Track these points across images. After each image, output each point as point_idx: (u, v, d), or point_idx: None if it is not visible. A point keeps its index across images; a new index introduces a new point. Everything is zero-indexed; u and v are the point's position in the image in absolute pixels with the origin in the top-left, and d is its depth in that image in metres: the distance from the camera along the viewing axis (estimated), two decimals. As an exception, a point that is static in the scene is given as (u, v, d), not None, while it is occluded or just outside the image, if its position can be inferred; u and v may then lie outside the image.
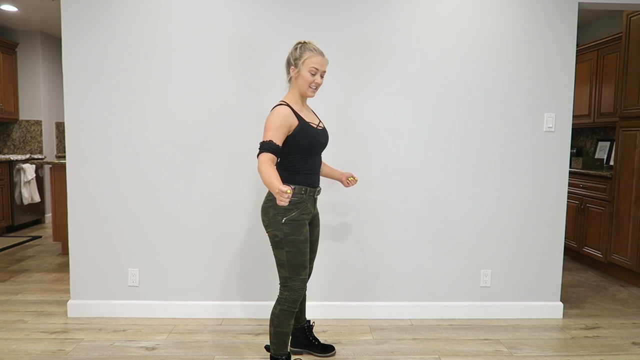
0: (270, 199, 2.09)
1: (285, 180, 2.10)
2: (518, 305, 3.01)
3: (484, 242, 2.97)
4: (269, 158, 1.93)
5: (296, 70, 2.10)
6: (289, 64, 2.14)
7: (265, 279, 2.94)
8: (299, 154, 2.08)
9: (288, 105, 2.07)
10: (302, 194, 2.10)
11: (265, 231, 2.27)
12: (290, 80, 2.15)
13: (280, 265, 2.10)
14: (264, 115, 2.83)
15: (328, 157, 2.87)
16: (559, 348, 2.59)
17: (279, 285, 2.14)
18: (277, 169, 2.12)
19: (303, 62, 2.08)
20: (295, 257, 2.07)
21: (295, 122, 2.05)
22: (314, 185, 2.15)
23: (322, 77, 2.13)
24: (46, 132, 6.03)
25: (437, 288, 2.98)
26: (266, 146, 1.95)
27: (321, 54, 2.11)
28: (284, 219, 2.05)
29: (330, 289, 2.96)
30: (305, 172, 2.11)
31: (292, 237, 2.06)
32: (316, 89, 2.13)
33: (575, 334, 2.79)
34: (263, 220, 2.13)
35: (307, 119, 2.12)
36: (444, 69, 2.86)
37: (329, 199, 2.90)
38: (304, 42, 2.12)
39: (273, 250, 2.12)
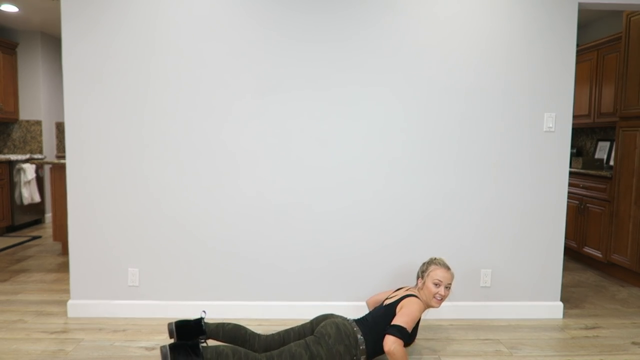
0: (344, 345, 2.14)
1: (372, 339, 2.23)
2: (518, 305, 3.01)
3: (484, 242, 2.97)
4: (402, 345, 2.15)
5: (422, 282, 2.36)
6: (417, 276, 2.41)
7: (265, 279, 2.94)
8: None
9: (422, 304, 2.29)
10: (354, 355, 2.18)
11: None
12: (418, 289, 2.38)
13: None
14: (269, 116, 2.83)
15: (329, 153, 2.88)
16: (559, 348, 2.59)
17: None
18: (366, 328, 2.25)
19: (428, 275, 2.34)
20: None
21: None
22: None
23: (447, 288, 2.32)
24: (46, 132, 6.04)
25: (437, 288, 2.99)
26: (406, 334, 2.16)
27: (445, 267, 2.34)
28: None
29: (330, 289, 2.96)
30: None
31: None
32: (441, 300, 2.31)
33: (575, 334, 2.79)
34: (328, 343, 2.11)
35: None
36: (444, 70, 2.86)
37: (330, 200, 2.91)
38: (433, 258, 2.40)
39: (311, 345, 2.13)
